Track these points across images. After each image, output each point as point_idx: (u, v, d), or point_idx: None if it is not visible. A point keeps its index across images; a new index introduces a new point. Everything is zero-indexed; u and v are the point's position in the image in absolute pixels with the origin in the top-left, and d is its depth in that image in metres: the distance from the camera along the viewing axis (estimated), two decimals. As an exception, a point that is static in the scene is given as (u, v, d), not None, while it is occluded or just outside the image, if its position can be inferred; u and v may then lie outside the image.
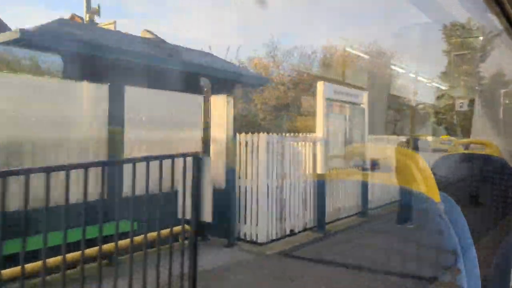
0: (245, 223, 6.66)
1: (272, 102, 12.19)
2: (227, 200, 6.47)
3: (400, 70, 16.66)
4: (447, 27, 19.39)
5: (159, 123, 6.13)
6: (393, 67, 17.03)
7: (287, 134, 7.51)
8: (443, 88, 18.94)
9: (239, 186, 6.73)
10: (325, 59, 15.85)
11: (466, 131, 20.37)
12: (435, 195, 1.20)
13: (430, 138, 15.05)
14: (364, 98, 9.14)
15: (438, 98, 20.03)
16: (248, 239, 6.61)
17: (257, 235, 6.54)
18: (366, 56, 16.61)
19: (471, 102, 20.29)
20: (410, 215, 8.32)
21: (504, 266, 1.70)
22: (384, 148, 10.30)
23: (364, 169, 9.14)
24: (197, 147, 6.72)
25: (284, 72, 14.77)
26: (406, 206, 8.24)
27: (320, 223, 7.61)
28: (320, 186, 7.65)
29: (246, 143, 6.71)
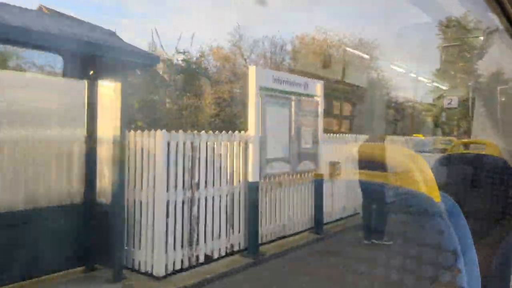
0: (139, 248, 5.10)
1: (226, 95, 10.66)
2: (112, 218, 4.91)
3: (382, 63, 15.14)
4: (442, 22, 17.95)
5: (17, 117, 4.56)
6: (373, 59, 15.50)
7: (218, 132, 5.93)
8: (427, 82, 17.43)
9: (134, 200, 5.17)
10: (298, 50, 14.28)
11: (454, 131, 18.88)
12: (435, 195, 0.99)
13: (410, 139, 13.47)
14: (318, 89, 7.58)
15: (424, 94, 18.55)
16: (143, 270, 5.05)
17: (152, 265, 4.97)
18: (344, 47, 15.05)
19: (465, 101, 18.85)
20: (383, 227, 6.80)
21: (504, 266, 1.68)
22: (349, 147, 8.75)
23: (318, 174, 7.59)
24: (81, 150, 5.17)
25: (248, 64, 13.22)
26: (381, 213, 6.71)
27: (252, 244, 6.05)
28: (252, 197, 6.08)
29: (142, 143, 5.14)
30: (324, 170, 7.96)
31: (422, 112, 20.68)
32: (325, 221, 7.99)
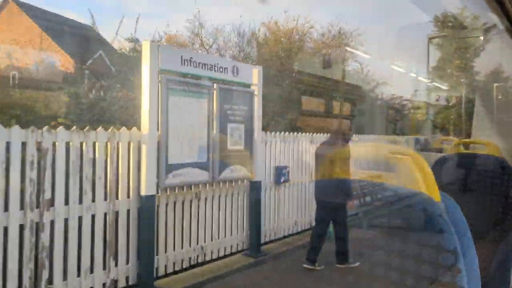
0: (-47, 294, 3.61)
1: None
2: None
3: (359, 53, 13.68)
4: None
5: None
6: (347, 49, 14.02)
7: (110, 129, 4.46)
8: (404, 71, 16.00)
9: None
10: (263, 38, 12.81)
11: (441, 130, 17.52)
12: (435, 194, 1.00)
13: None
14: (254, 76, 6.08)
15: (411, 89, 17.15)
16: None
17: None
18: (320, 37, 13.57)
19: (459, 100, 17.47)
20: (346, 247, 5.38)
21: (504, 266, 1.68)
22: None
23: (254, 181, 6.10)
24: None
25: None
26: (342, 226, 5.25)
27: (143, 278, 4.56)
28: (146, 215, 4.59)
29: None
30: (267, 176, 6.49)
31: (411, 110, 19.27)
32: (268, 239, 6.54)
